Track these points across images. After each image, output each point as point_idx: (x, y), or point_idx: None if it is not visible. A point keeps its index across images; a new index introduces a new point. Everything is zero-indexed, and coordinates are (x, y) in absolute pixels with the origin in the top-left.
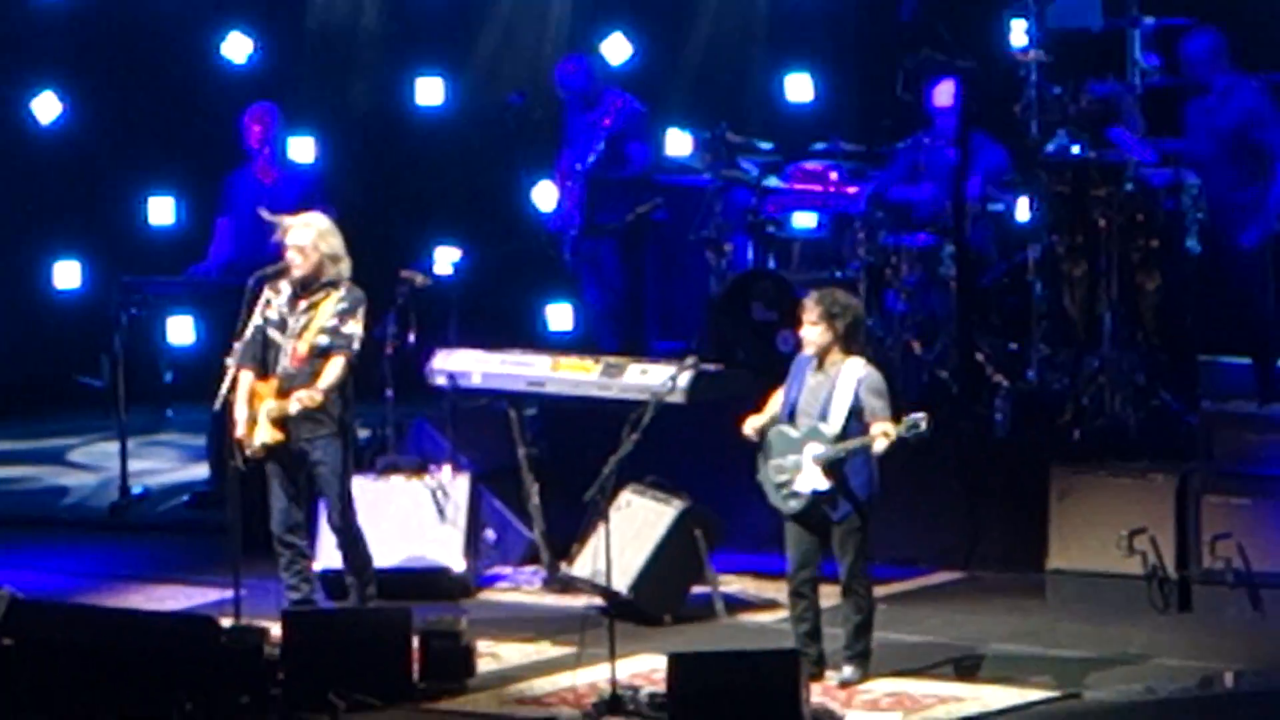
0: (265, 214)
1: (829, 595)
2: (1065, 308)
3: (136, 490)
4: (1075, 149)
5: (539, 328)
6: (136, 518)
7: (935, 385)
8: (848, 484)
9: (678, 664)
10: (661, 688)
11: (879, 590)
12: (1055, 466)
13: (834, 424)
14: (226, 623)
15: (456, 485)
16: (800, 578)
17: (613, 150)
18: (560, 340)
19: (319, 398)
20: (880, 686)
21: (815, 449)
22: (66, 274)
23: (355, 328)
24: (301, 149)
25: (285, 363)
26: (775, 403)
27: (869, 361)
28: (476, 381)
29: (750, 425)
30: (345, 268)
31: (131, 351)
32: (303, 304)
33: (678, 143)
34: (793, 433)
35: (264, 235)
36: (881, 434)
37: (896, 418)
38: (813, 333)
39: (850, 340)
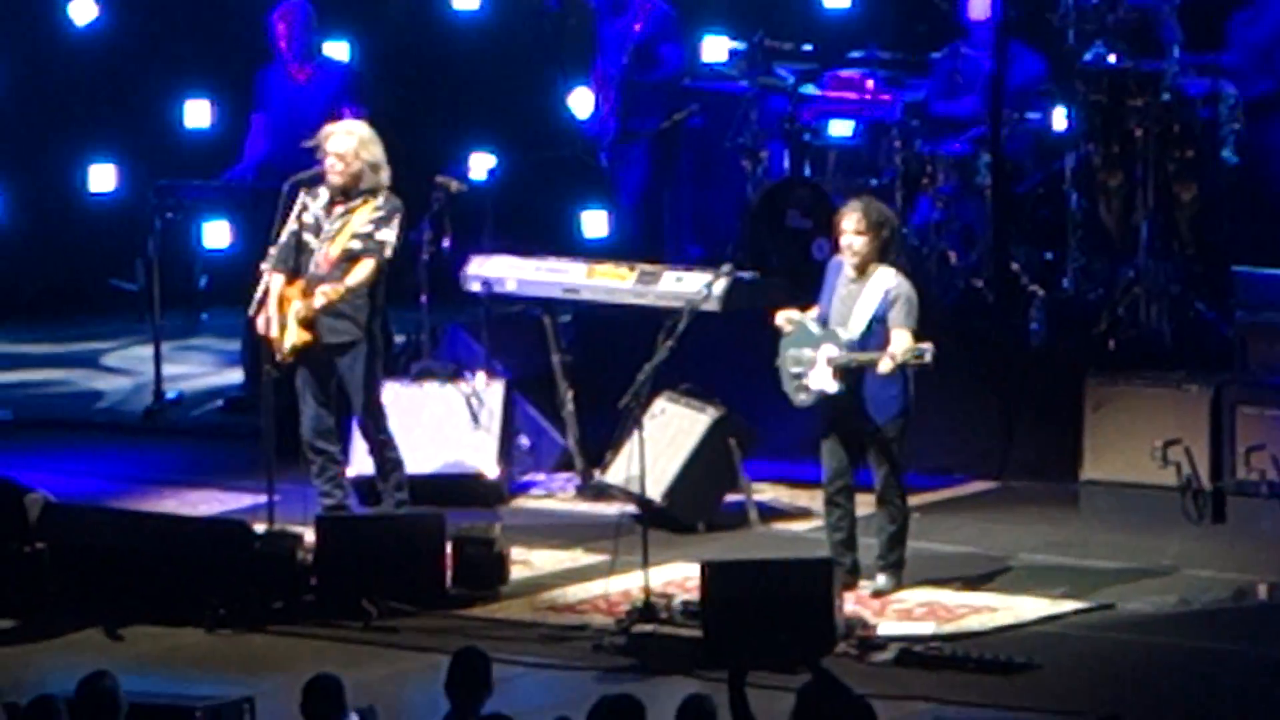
0: (306, 143)
1: (865, 504)
2: (1101, 217)
3: (170, 394)
4: (1112, 58)
5: (574, 234)
6: (170, 422)
7: (970, 294)
8: (876, 393)
9: (711, 572)
10: (694, 596)
11: (912, 500)
12: (1090, 377)
13: (853, 329)
14: (260, 528)
15: (491, 391)
16: (835, 486)
17: (644, 54)
18: (595, 247)
19: (341, 289)
20: (913, 596)
21: (830, 350)
22: (102, 177)
23: (389, 234)
24: (336, 53)
25: (316, 266)
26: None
27: (900, 271)
28: (511, 288)
29: (783, 315)
30: (385, 176)
31: (166, 255)
32: (339, 209)
33: (713, 49)
34: (815, 329)
35: (299, 132)
36: (887, 355)
37: (925, 333)
38: (858, 241)
39: (887, 250)
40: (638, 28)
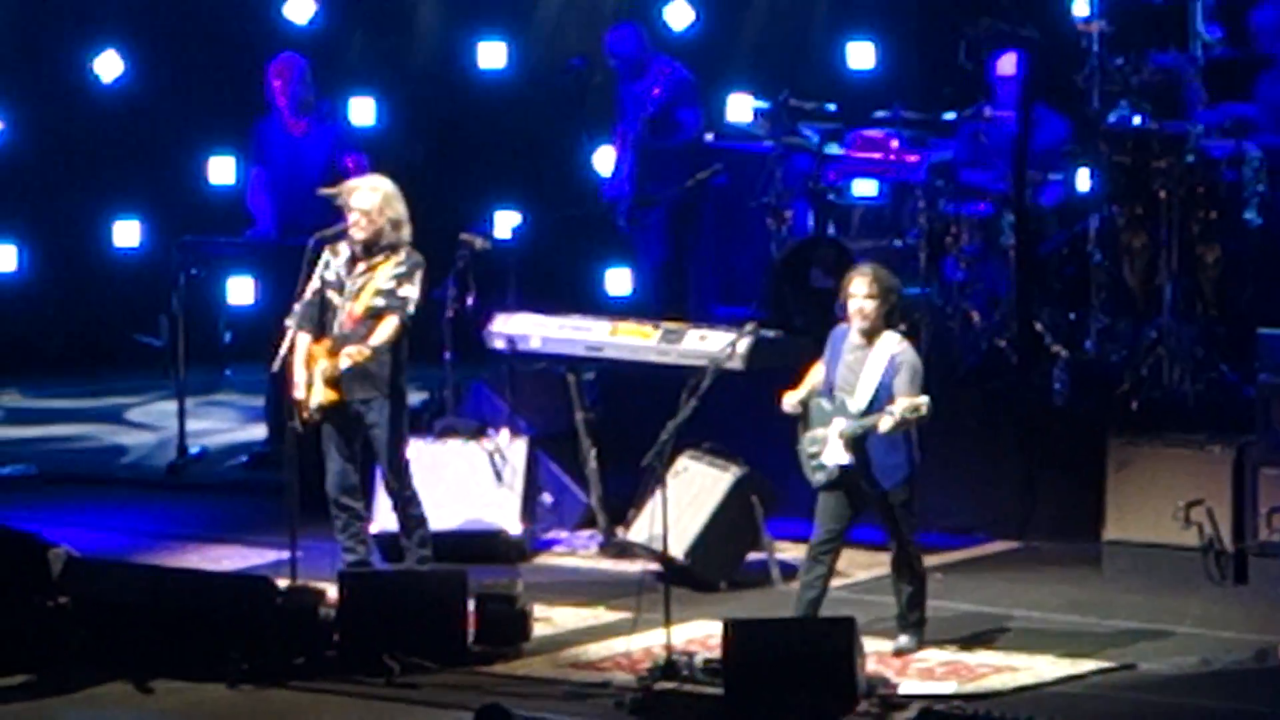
0: (325, 191)
1: (880, 564)
2: (1125, 278)
3: (194, 450)
4: (1136, 120)
5: (598, 292)
6: (194, 477)
7: (994, 355)
8: (881, 459)
9: (733, 630)
10: (716, 654)
11: (935, 559)
12: (1113, 437)
13: (860, 399)
14: (283, 583)
15: (514, 449)
16: (824, 546)
17: (662, 119)
18: (619, 305)
19: (367, 352)
20: (935, 655)
21: (840, 423)
22: (126, 233)
23: (411, 291)
24: (362, 110)
25: (340, 324)
26: (815, 375)
27: (905, 337)
28: (535, 345)
29: (789, 400)
30: (406, 233)
31: (190, 311)
32: (360, 266)
33: (739, 108)
34: (827, 406)
35: (299, 186)
36: (885, 414)
37: (947, 393)
38: (869, 305)
39: (894, 315)
40: (656, 92)
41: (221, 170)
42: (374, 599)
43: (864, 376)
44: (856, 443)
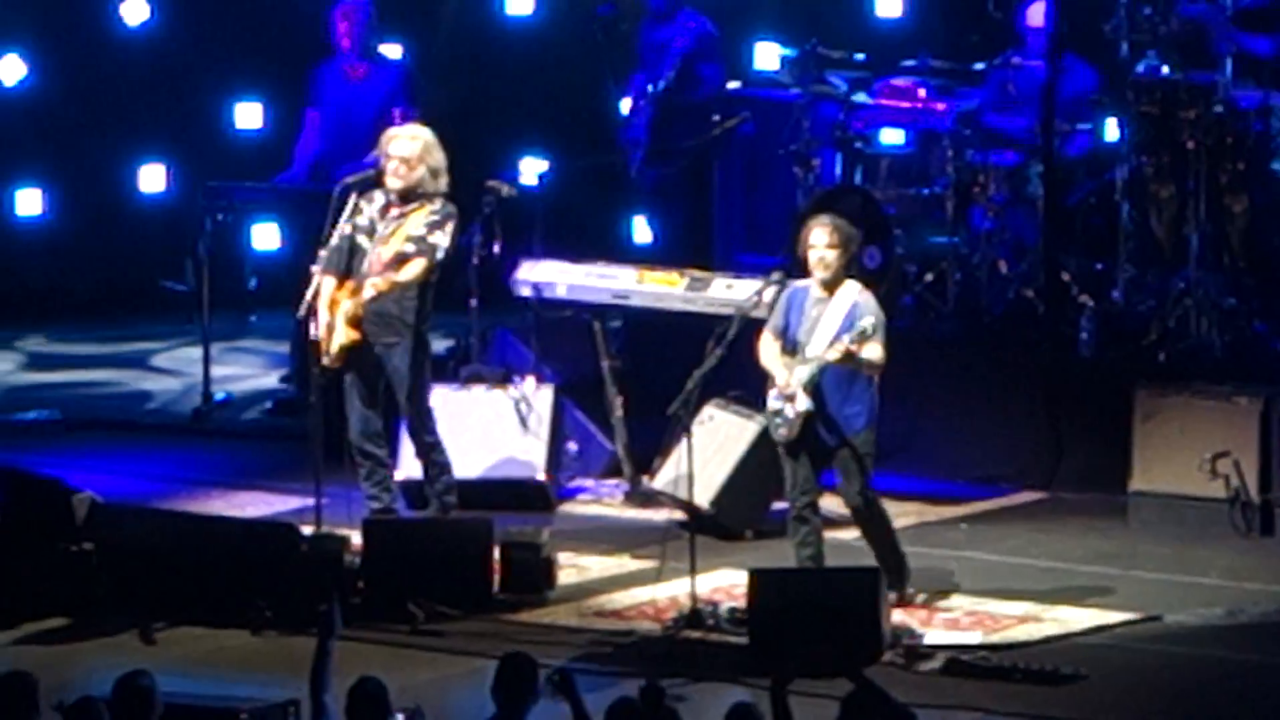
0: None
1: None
2: (1152, 229)
3: (219, 396)
4: (1164, 70)
5: (624, 240)
6: (218, 423)
7: (1021, 304)
8: (836, 409)
9: (758, 579)
10: (741, 603)
11: (961, 509)
12: (1140, 388)
13: (817, 345)
14: (307, 530)
15: (539, 396)
16: (803, 501)
17: (685, 72)
18: (645, 253)
19: (389, 282)
20: (960, 605)
21: (799, 374)
22: (152, 178)
23: (442, 239)
24: (390, 53)
25: (368, 266)
26: (768, 340)
27: (865, 287)
28: (561, 293)
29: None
30: (444, 182)
31: (216, 257)
32: (394, 212)
33: (765, 56)
34: (787, 360)
35: (351, 130)
36: (832, 345)
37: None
38: (830, 255)
39: (852, 265)
40: (679, 45)
41: (248, 115)
42: (399, 546)
43: (823, 324)
44: (815, 387)
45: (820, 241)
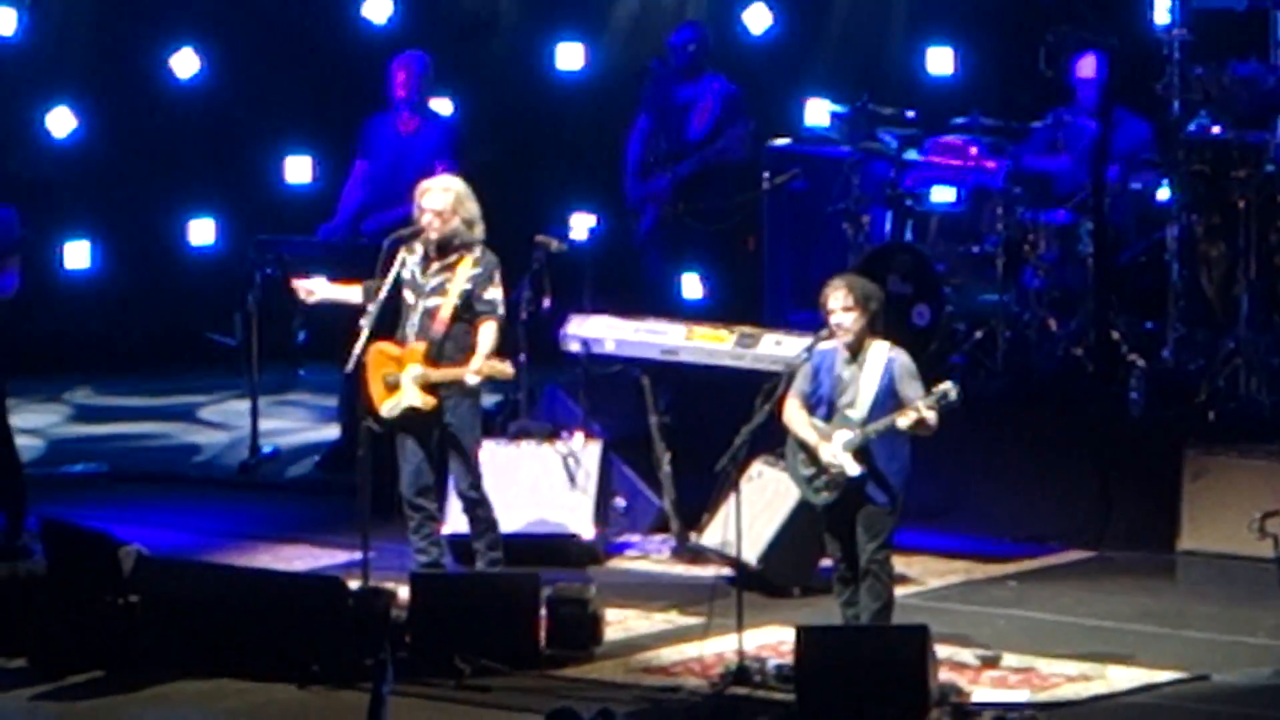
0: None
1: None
2: (1202, 288)
3: (267, 449)
4: (1216, 129)
5: (674, 296)
6: (266, 477)
7: (1070, 363)
8: (881, 468)
9: (806, 636)
10: (789, 660)
11: (1010, 567)
12: (1189, 447)
13: (860, 408)
14: (354, 584)
15: (588, 452)
16: (846, 563)
17: (714, 135)
18: (695, 309)
19: (496, 367)
20: (1008, 663)
21: (844, 435)
22: (202, 231)
23: (496, 293)
24: (440, 108)
25: (428, 326)
26: (794, 406)
27: (895, 344)
28: (610, 348)
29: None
30: (480, 231)
31: (265, 310)
32: (436, 265)
33: (817, 113)
34: (822, 425)
35: (397, 183)
36: (909, 410)
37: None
38: (847, 319)
39: (877, 323)
40: (708, 106)
41: (298, 169)
42: (445, 601)
43: (862, 386)
44: (863, 451)
45: (836, 305)
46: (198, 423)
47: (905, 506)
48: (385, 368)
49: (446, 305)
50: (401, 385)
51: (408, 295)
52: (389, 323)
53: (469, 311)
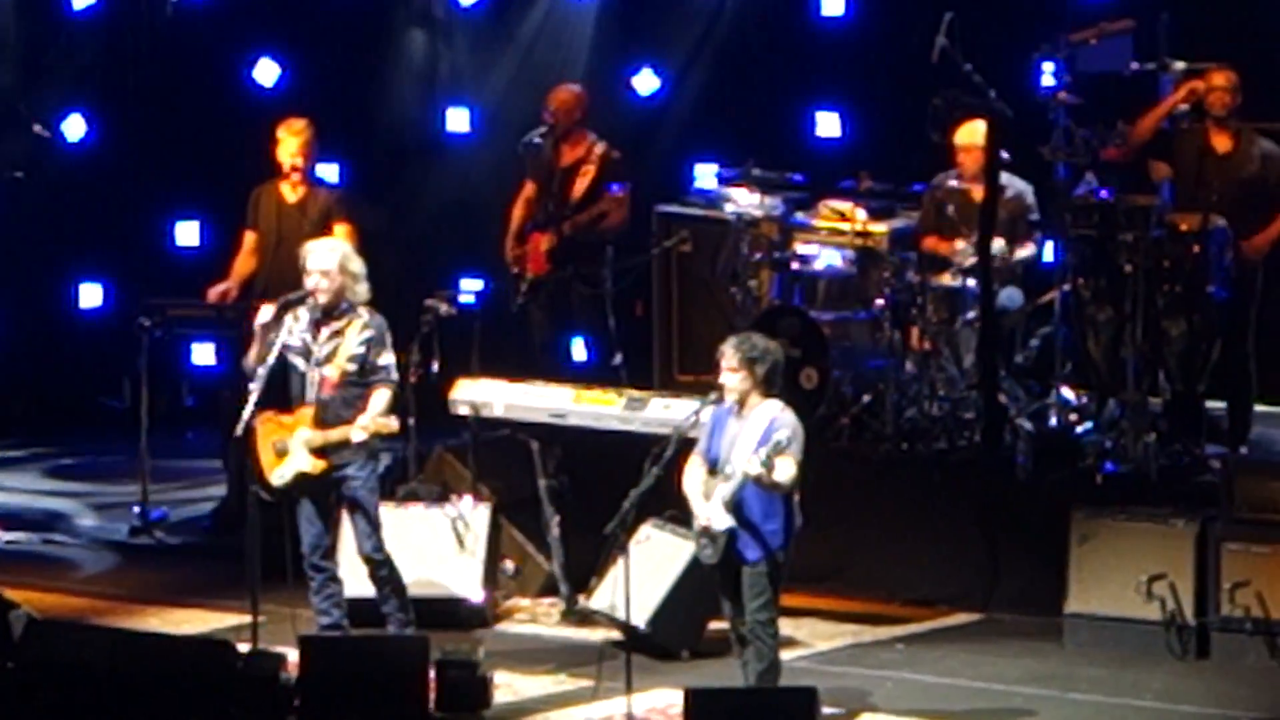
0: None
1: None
2: (1089, 351)
3: (155, 513)
4: (1103, 193)
5: (561, 359)
6: (155, 540)
7: (958, 426)
8: (756, 524)
9: (694, 699)
10: None
11: (898, 630)
12: (1076, 510)
13: (737, 461)
14: (244, 648)
15: (476, 515)
16: (740, 621)
17: (590, 201)
18: (583, 371)
19: (386, 424)
20: None
21: (721, 492)
22: (91, 295)
23: (390, 358)
24: (326, 174)
25: (317, 391)
26: (694, 464)
27: (786, 405)
28: (498, 412)
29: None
30: (365, 290)
31: (153, 374)
32: (325, 330)
33: (703, 176)
34: (710, 482)
35: (287, 250)
36: (753, 458)
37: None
38: (733, 379)
39: (769, 384)
40: (589, 171)
41: (187, 234)
42: (335, 664)
43: (741, 441)
44: (739, 507)
45: (724, 364)
46: (87, 486)
47: (793, 568)
48: (275, 435)
49: (336, 369)
50: (290, 450)
51: (297, 361)
52: (278, 389)
53: (362, 376)
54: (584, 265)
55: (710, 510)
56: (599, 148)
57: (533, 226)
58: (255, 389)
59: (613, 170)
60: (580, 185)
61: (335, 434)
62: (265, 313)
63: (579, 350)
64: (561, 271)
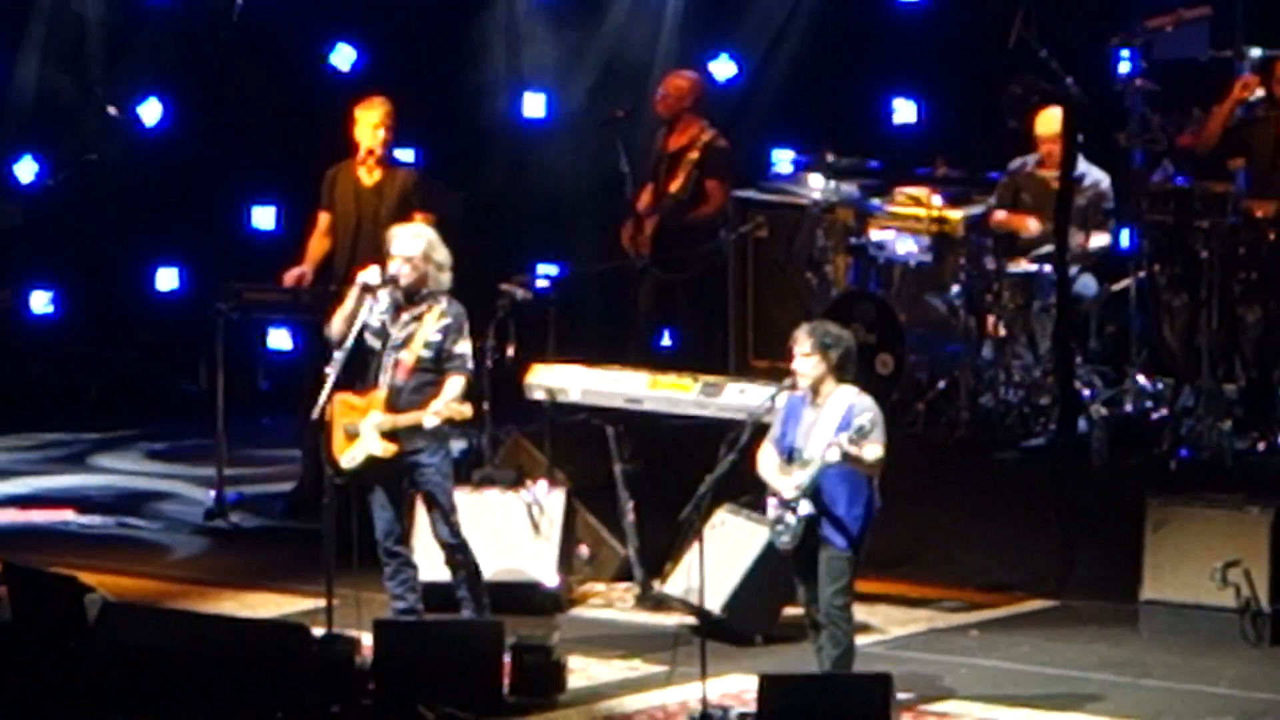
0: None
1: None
2: (1165, 337)
3: (231, 496)
4: (1179, 180)
5: (638, 344)
6: (230, 524)
7: (1033, 413)
8: (840, 513)
9: (768, 684)
10: (752, 708)
11: (972, 616)
12: (1151, 497)
13: (814, 449)
14: (318, 631)
15: (551, 500)
16: (812, 609)
17: (694, 189)
18: (661, 357)
19: (456, 410)
20: (971, 712)
21: (798, 478)
22: (168, 278)
23: (466, 346)
24: (403, 159)
25: (393, 375)
26: (767, 450)
27: (862, 390)
28: (574, 397)
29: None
30: (448, 279)
31: (230, 358)
32: (405, 315)
33: (781, 163)
34: (786, 469)
35: (362, 233)
36: (832, 445)
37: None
38: (805, 364)
39: (842, 371)
40: (694, 156)
41: (263, 217)
42: (410, 648)
43: (818, 428)
44: (820, 493)
45: (797, 351)
46: (163, 469)
47: (867, 554)
48: (347, 417)
49: (409, 354)
50: (361, 433)
51: (374, 343)
52: (353, 370)
53: (437, 363)
54: (676, 251)
55: (791, 496)
56: (706, 135)
57: (649, 211)
58: (333, 372)
59: (714, 158)
60: (681, 172)
61: (406, 419)
62: (372, 274)
63: (665, 336)
64: (659, 255)
